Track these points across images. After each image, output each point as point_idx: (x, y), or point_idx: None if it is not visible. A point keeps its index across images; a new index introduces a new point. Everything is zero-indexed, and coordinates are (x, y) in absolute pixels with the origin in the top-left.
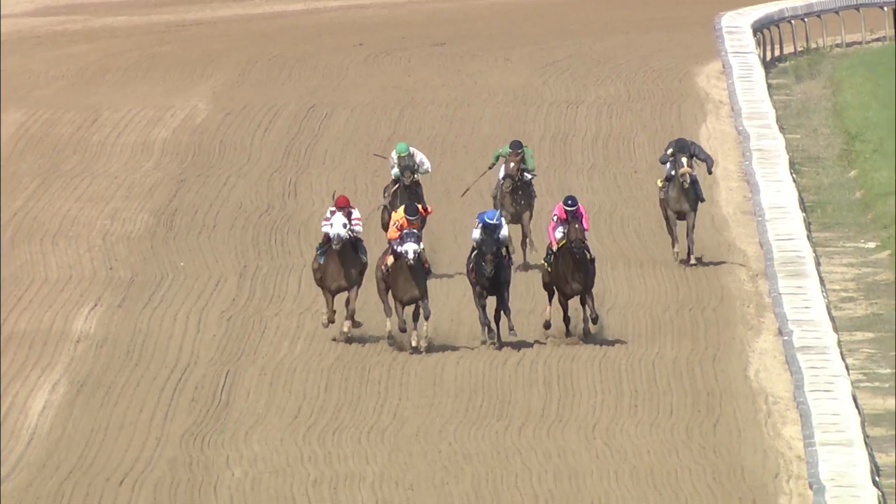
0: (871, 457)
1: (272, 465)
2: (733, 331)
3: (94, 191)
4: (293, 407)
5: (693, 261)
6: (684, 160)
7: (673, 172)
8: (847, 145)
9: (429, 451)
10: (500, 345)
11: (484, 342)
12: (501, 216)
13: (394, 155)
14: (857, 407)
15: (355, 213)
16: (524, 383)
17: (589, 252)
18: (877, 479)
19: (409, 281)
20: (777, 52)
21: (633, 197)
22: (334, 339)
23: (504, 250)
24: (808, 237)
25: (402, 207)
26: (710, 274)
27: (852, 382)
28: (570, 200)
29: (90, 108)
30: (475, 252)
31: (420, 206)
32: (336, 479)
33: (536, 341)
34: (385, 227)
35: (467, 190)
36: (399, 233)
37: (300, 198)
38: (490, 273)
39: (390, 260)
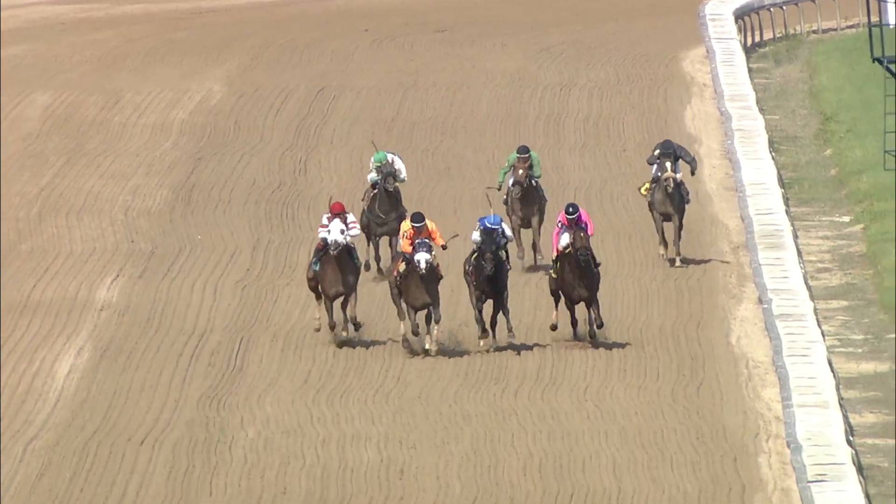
0: (846, 417)
1: (284, 425)
2: (716, 299)
3: (116, 168)
4: (303, 371)
5: (679, 263)
6: (668, 164)
7: (658, 174)
8: (823, 125)
9: (430, 412)
10: (496, 346)
11: (483, 339)
12: (501, 221)
13: (372, 162)
14: (832, 371)
15: (350, 218)
16: (520, 348)
17: (594, 259)
18: (850, 438)
19: (420, 288)
20: (757, 38)
21: (623, 174)
22: (337, 345)
23: (504, 253)
24: (787, 212)
25: (409, 216)
26: (695, 246)
27: (828, 348)
28: (571, 208)
29: (112, 90)
30: (475, 254)
31: (427, 224)
32: (343, 439)
33: (531, 351)
34: (366, 230)
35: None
36: (410, 243)
37: (310, 175)
38: (490, 271)
39: (402, 267)
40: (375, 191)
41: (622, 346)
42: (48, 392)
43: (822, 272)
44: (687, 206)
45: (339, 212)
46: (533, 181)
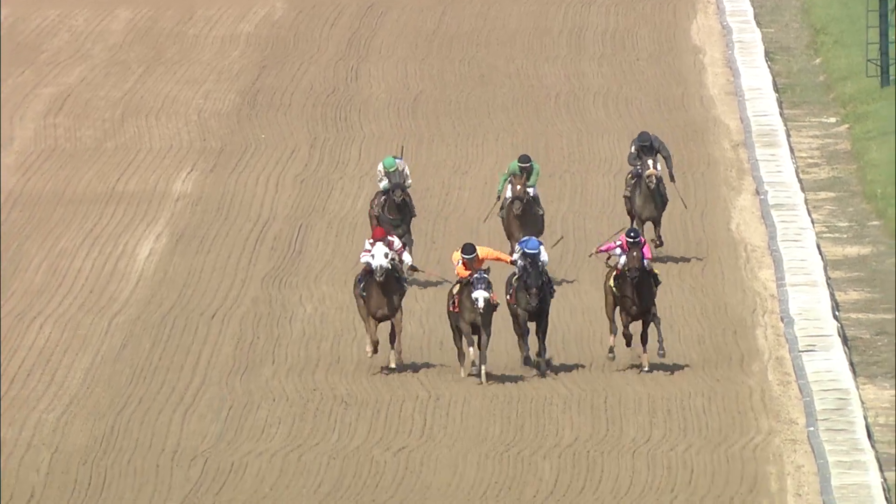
0: (832, 295)
1: (338, 302)
2: (718, 191)
3: (190, 75)
4: (355, 254)
5: (659, 243)
6: (650, 161)
7: (640, 171)
8: (813, 37)
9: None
10: (548, 378)
11: (529, 365)
12: (540, 244)
13: (381, 168)
14: (820, 254)
15: (397, 243)
16: (546, 237)
17: (656, 277)
18: (836, 313)
19: (474, 313)
20: None
21: (636, 80)
22: (383, 370)
23: (548, 280)
24: (781, 113)
25: (461, 247)
26: (699, 144)
27: (816, 234)
28: (633, 233)
29: (186, 5)
30: (516, 277)
31: (479, 253)
32: None
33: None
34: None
35: (488, 216)
36: (468, 273)
37: (360, 81)
38: (535, 306)
39: (456, 289)
40: (384, 198)
41: None
42: (130, 273)
43: (811, 167)
44: (668, 205)
45: (381, 237)
46: (531, 192)
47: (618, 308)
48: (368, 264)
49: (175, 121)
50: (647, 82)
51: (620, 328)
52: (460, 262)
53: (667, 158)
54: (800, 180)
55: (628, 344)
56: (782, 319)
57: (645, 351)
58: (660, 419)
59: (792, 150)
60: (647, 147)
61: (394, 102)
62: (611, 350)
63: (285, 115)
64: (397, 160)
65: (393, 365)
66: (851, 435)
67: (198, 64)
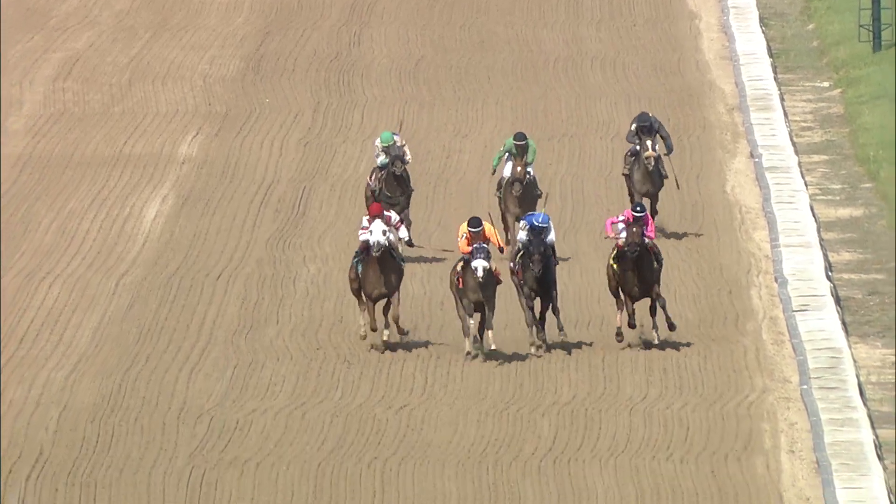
0: (825, 256)
1: (340, 263)
2: (714, 154)
3: (195, 41)
4: (357, 215)
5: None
6: (649, 143)
7: (638, 149)
8: (806, 3)
9: None
10: (548, 346)
11: (533, 343)
12: (549, 219)
13: (378, 143)
14: (813, 215)
15: (394, 218)
16: (548, 200)
17: (656, 256)
18: (829, 273)
19: (476, 292)
20: None
21: (633, 45)
22: (372, 347)
23: (551, 251)
24: (775, 78)
25: (467, 221)
26: (695, 108)
27: (810, 196)
28: (640, 207)
29: None
30: (521, 253)
31: (485, 227)
32: None
33: None
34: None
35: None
36: (468, 244)
37: (363, 46)
38: (538, 273)
39: (460, 266)
40: (383, 172)
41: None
42: (137, 234)
43: (805, 130)
44: (665, 182)
45: (377, 213)
46: (529, 172)
47: (620, 289)
48: (366, 242)
49: (181, 86)
50: (643, 47)
51: (626, 309)
52: (464, 235)
53: (665, 138)
54: (793, 143)
55: (632, 326)
56: (776, 280)
57: (655, 326)
58: (656, 377)
59: (786, 114)
60: (646, 128)
61: (395, 67)
62: (618, 333)
63: (289, 79)
64: (395, 135)
65: (385, 338)
66: (844, 393)
67: (203, 30)
